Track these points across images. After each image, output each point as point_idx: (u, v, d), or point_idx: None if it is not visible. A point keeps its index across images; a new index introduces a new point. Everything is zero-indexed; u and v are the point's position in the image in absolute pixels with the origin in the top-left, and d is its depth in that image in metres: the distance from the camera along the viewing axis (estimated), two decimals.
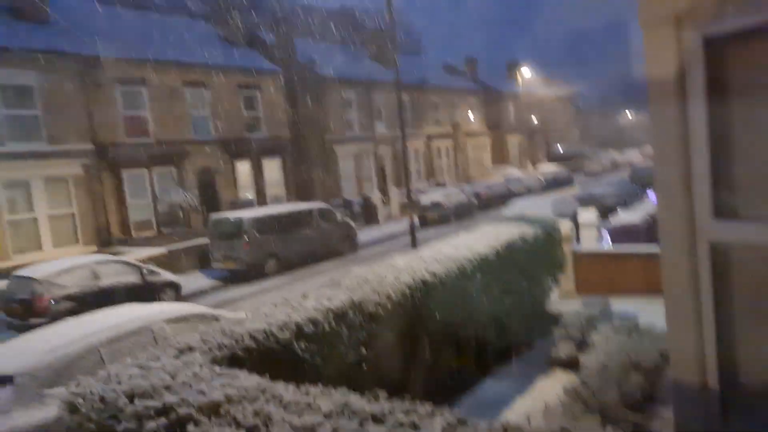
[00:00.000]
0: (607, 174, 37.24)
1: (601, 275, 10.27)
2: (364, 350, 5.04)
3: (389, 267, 6.45)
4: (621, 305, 8.96)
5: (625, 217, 13.47)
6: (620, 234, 12.36)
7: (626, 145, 61.85)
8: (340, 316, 4.95)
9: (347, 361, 4.88)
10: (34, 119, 18.23)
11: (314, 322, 4.70)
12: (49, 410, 5.13)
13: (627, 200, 20.93)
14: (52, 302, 11.47)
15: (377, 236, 22.62)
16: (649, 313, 7.44)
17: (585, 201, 20.78)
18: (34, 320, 11.10)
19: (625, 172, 34.82)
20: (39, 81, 18.23)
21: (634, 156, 51.81)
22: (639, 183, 24.75)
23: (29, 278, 11.71)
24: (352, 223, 20.52)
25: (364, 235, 22.32)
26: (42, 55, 18.18)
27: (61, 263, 12.68)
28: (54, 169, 18.26)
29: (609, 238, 12.77)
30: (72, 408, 3.56)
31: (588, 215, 12.33)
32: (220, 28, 28.16)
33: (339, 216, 19.60)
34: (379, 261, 6.93)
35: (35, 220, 17.84)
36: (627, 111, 78.97)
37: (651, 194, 20.95)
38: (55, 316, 11.12)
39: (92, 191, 19.33)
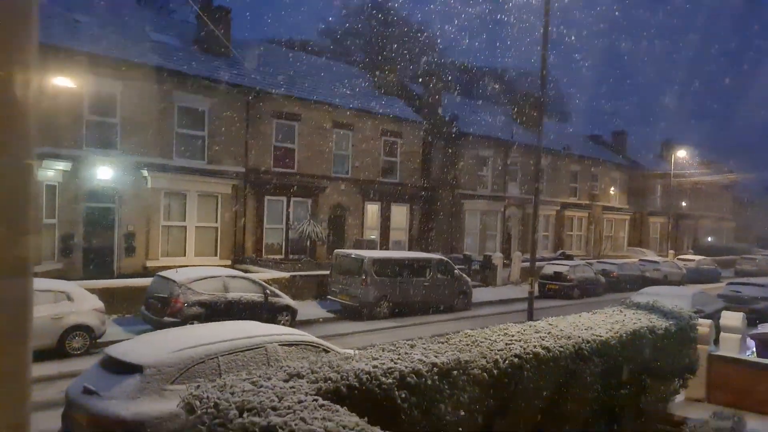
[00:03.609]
0: (762, 276, 33.46)
1: (738, 386, 9.20)
2: (462, 412, 4.95)
3: (502, 333, 6.32)
4: (759, 424, 7.95)
5: None
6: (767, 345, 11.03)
7: None
8: (444, 373, 4.92)
9: (444, 420, 4.81)
10: (201, 140, 20.42)
11: (418, 373, 4.72)
12: (168, 404, 5.60)
13: None
14: (186, 305, 12.53)
15: (492, 298, 22.13)
16: None
17: (730, 301, 18.88)
18: (167, 319, 12.17)
19: None
20: (211, 106, 20.48)
21: None
22: None
23: (171, 280, 12.90)
24: (469, 281, 20.30)
25: (480, 294, 21.95)
26: (217, 84, 20.47)
27: (199, 271, 13.86)
28: (208, 186, 20.20)
29: (754, 347, 11.44)
30: (189, 409, 3.87)
31: (733, 318, 11.15)
32: (375, 77, 29.84)
33: (457, 271, 19.50)
34: (491, 324, 6.82)
35: (185, 228, 19.75)
36: None
37: None
38: (185, 319, 12.15)
39: (236, 211, 21.06)
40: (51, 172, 16.49)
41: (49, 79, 16.03)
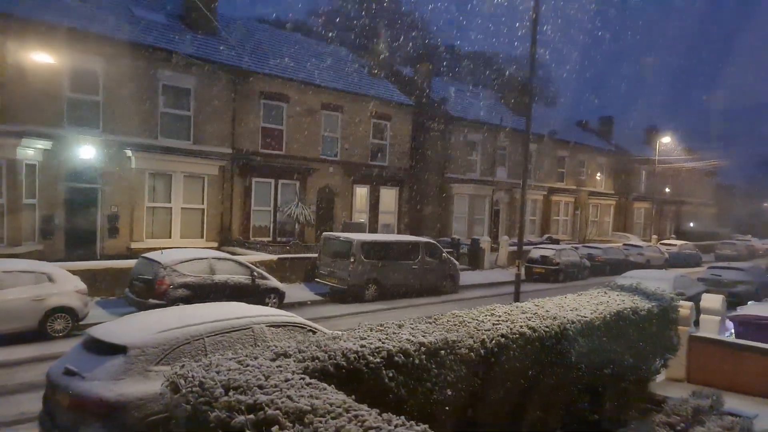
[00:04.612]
0: (742, 260, 34.04)
1: (718, 366, 9.36)
2: (449, 392, 4.98)
3: (489, 313, 6.36)
4: (736, 403, 8.10)
5: (755, 308, 12.21)
6: (747, 327, 11.21)
7: None
8: (431, 352, 4.94)
9: (431, 398, 4.83)
10: (186, 120, 20.14)
11: (405, 353, 4.73)
12: (152, 385, 5.54)
13: (760, 291, 19.04)
14: (171, 287, 12.43)
15: (480, 281, 22.27)
16: None
17: (711, 284, 19.22)
18: (152, 301, 12.07)
19: (763, 260, 31.66)
20: (196, 85, 20.17)
21: None
22: None
23: (155, 262, 12.77)
24: (457, 264, 20.37)
25: (467, 277, 22.06)
26: (203, 62, 20.15)
27: (184, 253, 13.71)
28: (194, 167, 19.97)
29: (733, 329, 11.64)
30: (174, 388, 3.84)
31: (713, 300, 11.33)
32: (365, 59, 29.58)
33: (445, 254, 19.56)
34: (478, 305, 6.84)
35: (170, 210, 19.55)
36: None
37: None
38: (171, 301, 12.04)
39: (222, 192, 20.88)
40: (31, 150, 16.18)
41: (28, 55, 15.69)
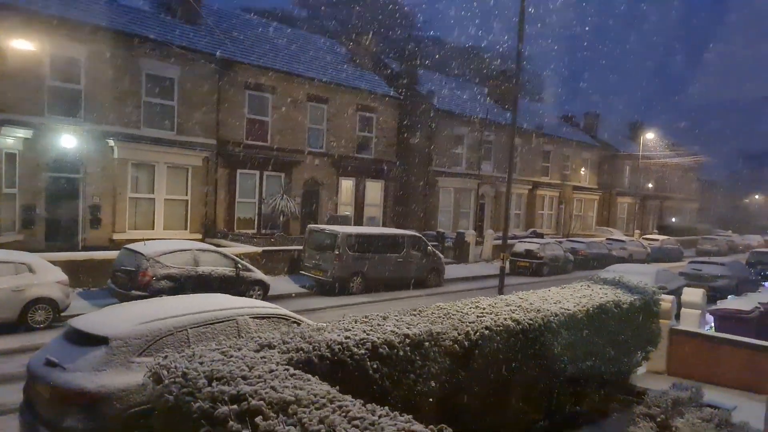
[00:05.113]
0: (722, 255, 34.58)
1: (697, 359, 9.51)
2: (433, 383, 4.99)
3: (473, 306, 6.39)
4: (715, 395, 8.23)
5: (734, 303, 12.41)
6: (726, 320, 11.40)
7: (748, 229, 57.20)
8: (416, 344, 4.95)
9: (415, 390, 4.85)
10: (170, 109, 19.88)
11: (390, 345, 4.73)
12: (134, 376, 5.50)
13: (739, 285, 19.36)
14: (154, 279, 12.32)
15: (464, 274, 22.36)
16: (747, 410, 6.79)
17: (692, 278, 19.48)
18: (135, 292, 11.96)
19: (742, 256, 32.19)
20: (180, 75, 19.92)
21: (755, 241, 47.75)
22: (756, 270, 22.80)
23: (138, 253, 12.64)
24: (442, 257, 20.44)
25: (452, 270, 22.13)
26: (187, 52, 19.90)
27: (168, 244, 13.59)
28: (177, 157, 19.75)
29: (713, 322, 11.83)
30: (156, 378, 3.81)
31: (694, 294, 11.50)
32: (351, 50, 29.43)
33: (430, 248, 19.61)
34: (463, 298, 6.87)
35: (153, 201, 19.34)
36: (756, 195, 73.31)
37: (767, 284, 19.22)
38: (154, 292, 11.93)
39: (207, 184, 20.69)
40: (11, 139, 15.90)
41: (8, 42, 15.39)
